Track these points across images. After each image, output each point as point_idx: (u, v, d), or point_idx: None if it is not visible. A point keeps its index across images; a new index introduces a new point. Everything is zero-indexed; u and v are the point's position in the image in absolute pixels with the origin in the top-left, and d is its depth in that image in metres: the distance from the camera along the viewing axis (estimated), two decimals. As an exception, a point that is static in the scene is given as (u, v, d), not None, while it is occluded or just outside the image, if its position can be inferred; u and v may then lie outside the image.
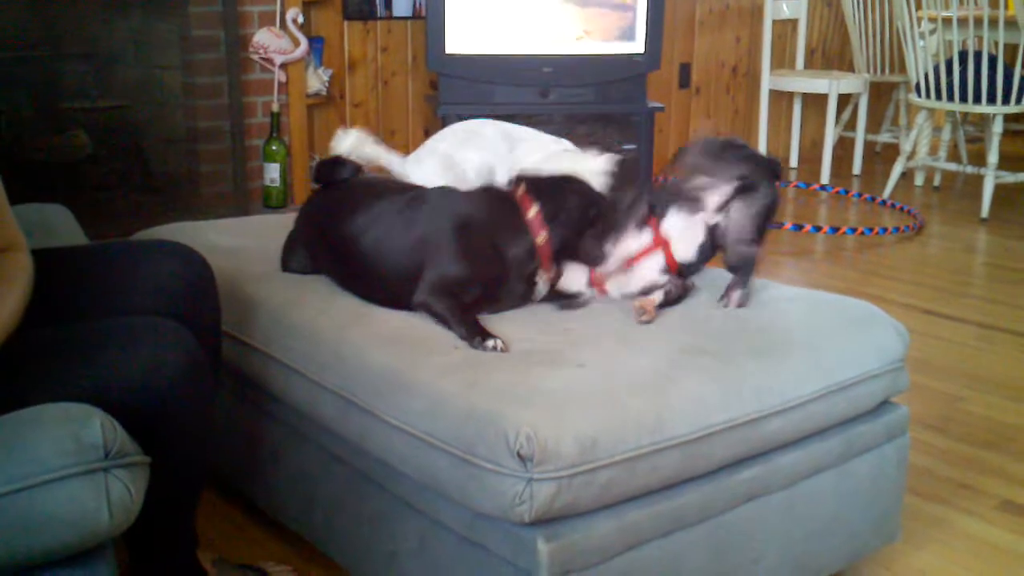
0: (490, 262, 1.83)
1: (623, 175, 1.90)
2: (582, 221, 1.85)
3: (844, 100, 5.64)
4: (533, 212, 1.84)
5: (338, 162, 2.08)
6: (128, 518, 1.18)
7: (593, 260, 1.89)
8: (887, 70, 5.71)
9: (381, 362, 1.67)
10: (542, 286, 1.88)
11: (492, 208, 1.87)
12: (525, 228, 1.84)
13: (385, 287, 1.87)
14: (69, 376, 1.32)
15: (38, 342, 1.39)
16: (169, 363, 1.36)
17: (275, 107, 3.93)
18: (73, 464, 1.14)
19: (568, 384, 1.56)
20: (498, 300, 1.85)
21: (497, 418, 1.45)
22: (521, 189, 1.88)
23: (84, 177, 3.73)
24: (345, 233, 1.93)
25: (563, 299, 1.89)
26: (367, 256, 1.89)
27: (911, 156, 5.18)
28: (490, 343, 1.69)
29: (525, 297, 1.88)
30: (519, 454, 1.40)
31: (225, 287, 1.79)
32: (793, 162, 5.88)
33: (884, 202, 5.02)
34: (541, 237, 1.83)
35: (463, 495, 1.50)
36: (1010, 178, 4.85)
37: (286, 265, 2.07)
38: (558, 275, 1.90)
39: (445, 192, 1.93)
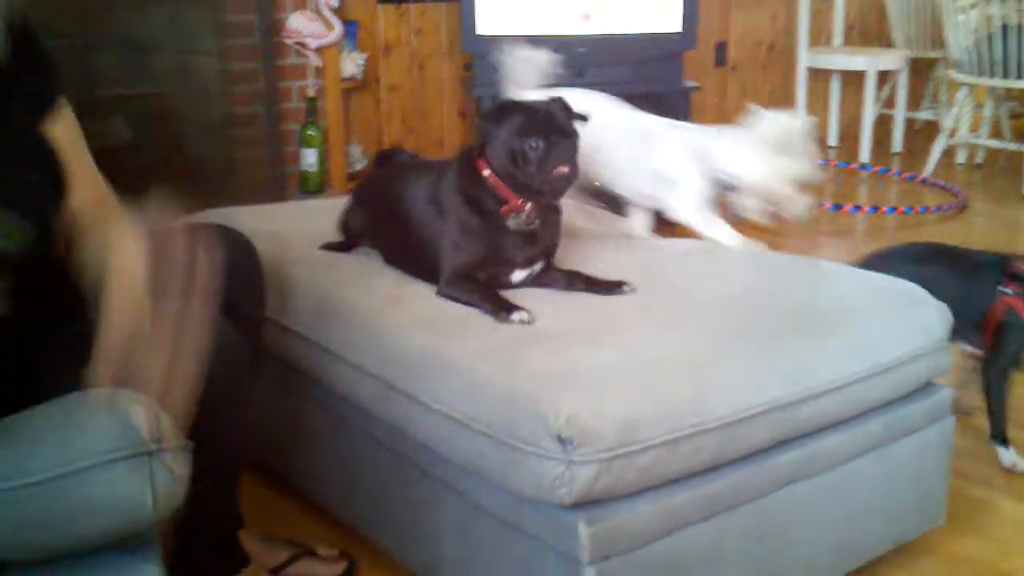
0: (485, 225, 1.85)
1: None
2: (510, 144, 1.81)
3: (883, 77, 5.56)
4: (476, 153, 1.86)
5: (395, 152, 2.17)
6: (172, 504, 1.19)
7: (530, 189, 1.84)
8: (927, 46, 5.62)
9: (420, 345, 1.67)
10: (512, 222, 1.84)
11: (461, 171, 1.88)
12: (478, 169, 1.85)
13: (408, 260, 1.96)
14: None
15: (72, 334, 1.39)
16: (204, 354, 1.36)
17: (310, 92, 3.93)
18: (118, 450, 1.14)
19: (608, 366, 1.56)
20: (519, 255, 1.86)
21: (537, 400, 1.45)
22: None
23: (121, 164, 3.74)
24: (382, 208, 2.03)
25: (604, 288, 1.87)
26: (397, 229, 1.98)
27: (952, 133, 5.11)
28: (515, 316, 1.72)
29: (534, 240, 1.87)
30: (559, 436, 1.40)
31: (265, 272, 1.79)
32: (832, 141, 5.81)
33: (925, 180, 4.95)
34: (486, 171, 1.84)
35: (503, 478, 1.50)
36: (1054, 154, 4.77)
37: (344, 230, 2.13)
38: (533, 209, 1.85)
39: (435, 169, 1.96)
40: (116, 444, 1.15)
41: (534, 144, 1.79)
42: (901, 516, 1.89)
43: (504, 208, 1.84)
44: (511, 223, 1.85)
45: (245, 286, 1.64)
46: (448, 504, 1.67)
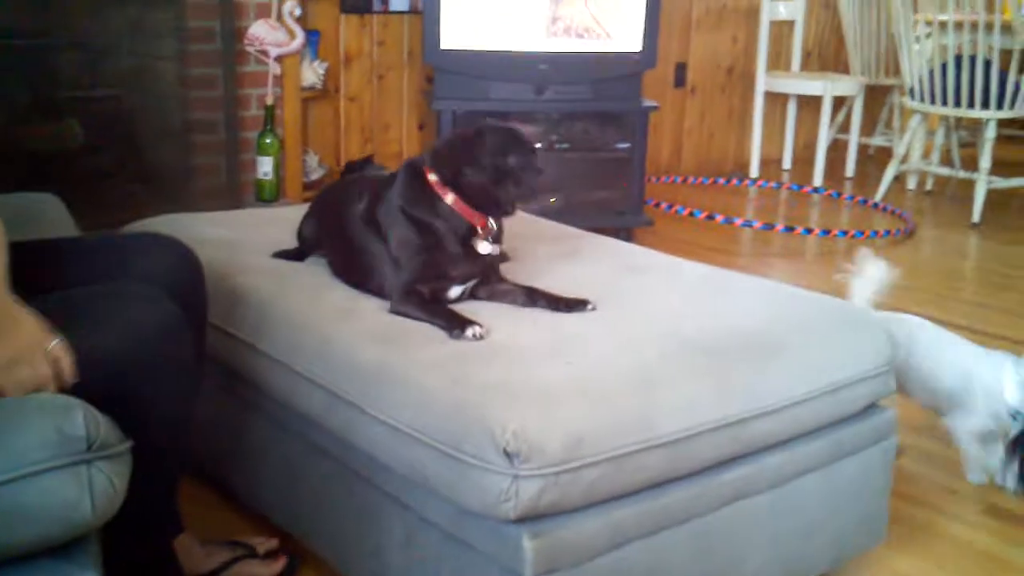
0: (429, 243, 1.88)
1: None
2: (480, 174, 1.87)
3: (839, 102, 5.65)
4: (432, 178, 1.89)
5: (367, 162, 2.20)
6: (111, 509, 1.18)
7: (504, 208, 1.91)
8: (882, 73, 5.72)
9: (369, 356, 1.67)
10: (480, 244, 1.89)
11: (408, 193, 1.91)
12: (436, 196, 1.88)
13: (355, 273, 1.98)
14: None
15: None
16: (145, 323, 1.35)
17: (270, 100, 3.92)
18: (55, 456, 1.13)
19: (556, 381, 1.56)
20: (457, 272, 1.88)
21: (484, 414, 1.45)
22: (426, 162, 1.93)
23: (76, 167, 3.71)
24: (334, 218, 2.05)
25: (567, 305, 1.88)
26: (344, 241, 2.00)
27: (904, 160, 5.20)
28: (469, 332, 1.72)
29: (476, 258, 1.90)
30: (506, 451, 1.40)
31: (214, 279, 1.79)
32: (786, 164, 5.89)
33: (876, 205, 5.03)
34: (449, 198, 1.87)
35: (449, 491, 1.50)
36: (1002, 183, 4.86)
37: (300, 237, 2.15)
38: (491, 228, 1.91)
39: (381, 188, 1.97)
40: (54, 450, 1.13)
41: (518, 160, 1.88)
42: (844, 534, 1.91)
43: (479, 234, 1.88)
44: (482, 248, 1.88)
45: (186, 294, 1.63)
46: (392, 516, 1.67)
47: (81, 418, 1.16)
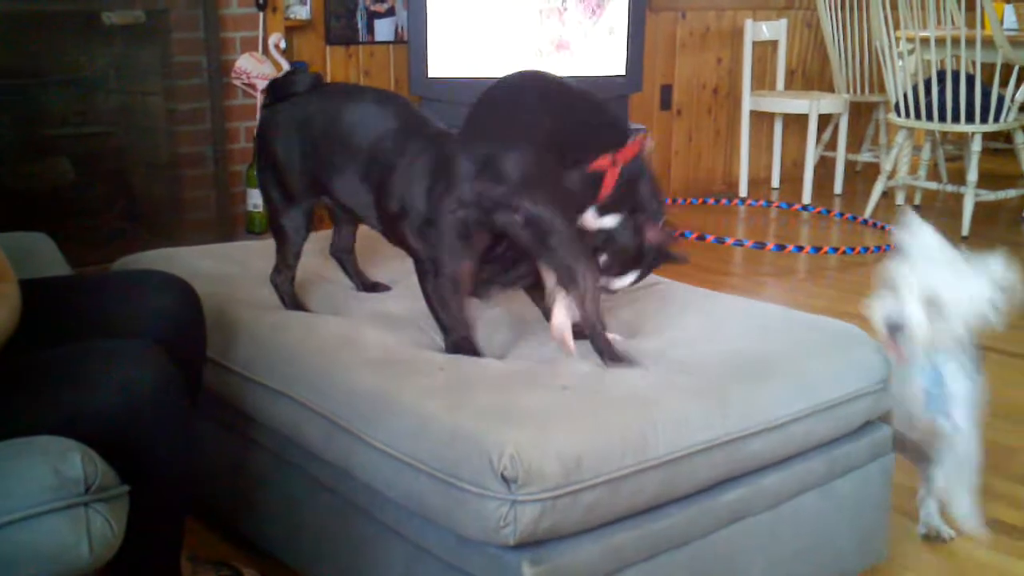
0: None
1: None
2: None
3: (824, 120, 5.68)
4: None
5: (295, 74, 2.07)
6: (108, 552, 1.17)
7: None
8: (866, 90, 5.76)
9: (366, 385, 1.67)
10: None
11: None
12: None
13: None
14: (40, 401, 1.31)
15: (10, 369, 1.37)
16: (141, 382, 1.35)
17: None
18: (53, 499, 1.13)
19: (552, 405, 1.56)
20: None
21: (481, 439, 1.45)
22: None
23: (66, 204, 3.71)
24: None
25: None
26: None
27: (891, 175, 5.22)
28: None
29: None
30: (503, 476, 1.40)
31: (209, 313, 1.78)
32: (775, 182, 5.91)
33: (865, 221, 5.05)
34: None
35: (448, 519, 1.49)
36: (989, 196, 4.88)
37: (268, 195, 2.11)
38: None
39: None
40: (52, 492, 1.13)
41: None
42: (843, 553, 1.91)
43: None
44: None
45: (186, 331, 1.63)
46: (392, 546, 1.66)
47: (79, 460, 1.15)
